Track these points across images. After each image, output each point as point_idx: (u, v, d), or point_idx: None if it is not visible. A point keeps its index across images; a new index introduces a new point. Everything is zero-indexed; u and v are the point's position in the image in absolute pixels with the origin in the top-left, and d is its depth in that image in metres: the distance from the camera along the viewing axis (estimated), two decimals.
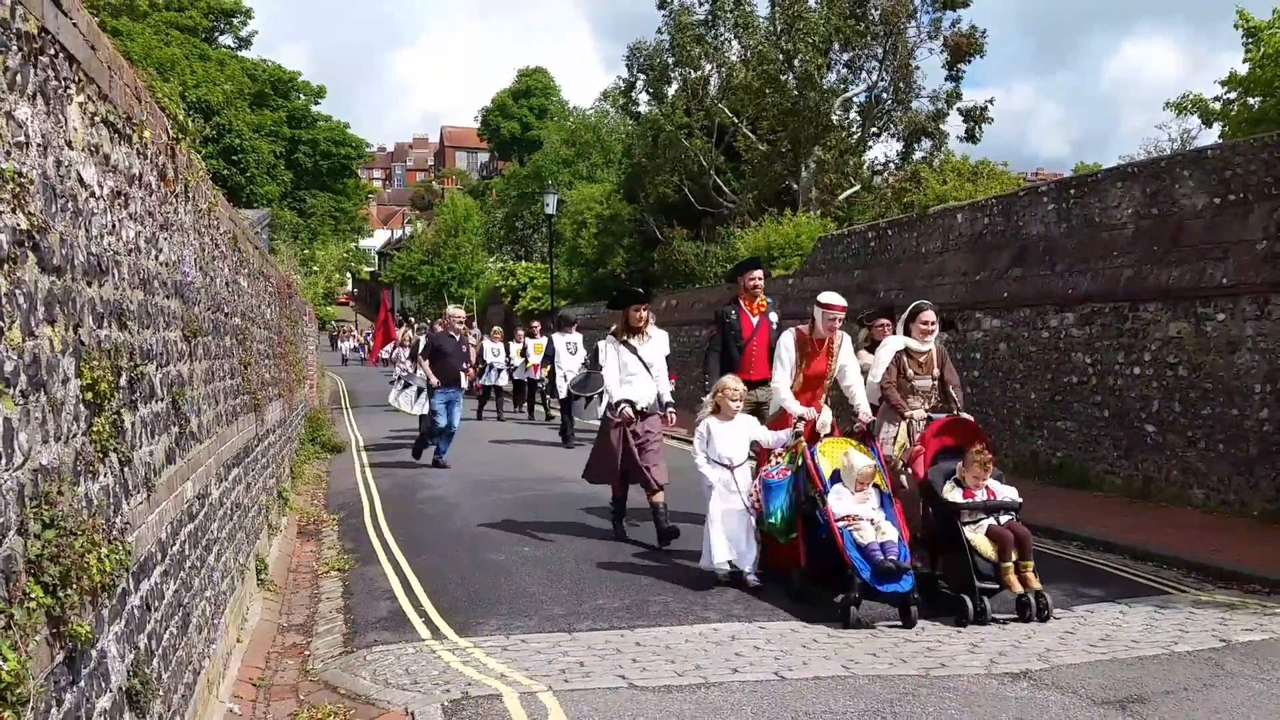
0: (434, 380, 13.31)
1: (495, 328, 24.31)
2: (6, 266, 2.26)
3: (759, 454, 7.66)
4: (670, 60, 29.14)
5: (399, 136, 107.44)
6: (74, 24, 2.89)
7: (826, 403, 7.77)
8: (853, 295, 16.30)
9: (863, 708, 4.70)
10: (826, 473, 6.68)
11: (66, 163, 2.81)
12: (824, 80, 26.72)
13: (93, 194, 3.08)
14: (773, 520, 6.85)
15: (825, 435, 7.25)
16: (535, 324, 21.63)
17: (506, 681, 5.11)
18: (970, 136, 27.81)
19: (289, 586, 7.63)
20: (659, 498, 8.31)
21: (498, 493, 11.34)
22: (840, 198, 27.59)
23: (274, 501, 9.05)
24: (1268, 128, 19.82)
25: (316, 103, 45.71)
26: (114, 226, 3.34)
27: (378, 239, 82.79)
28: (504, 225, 50.93)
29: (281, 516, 9.54)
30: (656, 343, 8.78)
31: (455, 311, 14.92)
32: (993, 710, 4.68)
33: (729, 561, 7.01)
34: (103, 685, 2.85)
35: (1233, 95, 22.91)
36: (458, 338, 14.19)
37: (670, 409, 8.62)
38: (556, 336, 16.47)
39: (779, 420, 7.56)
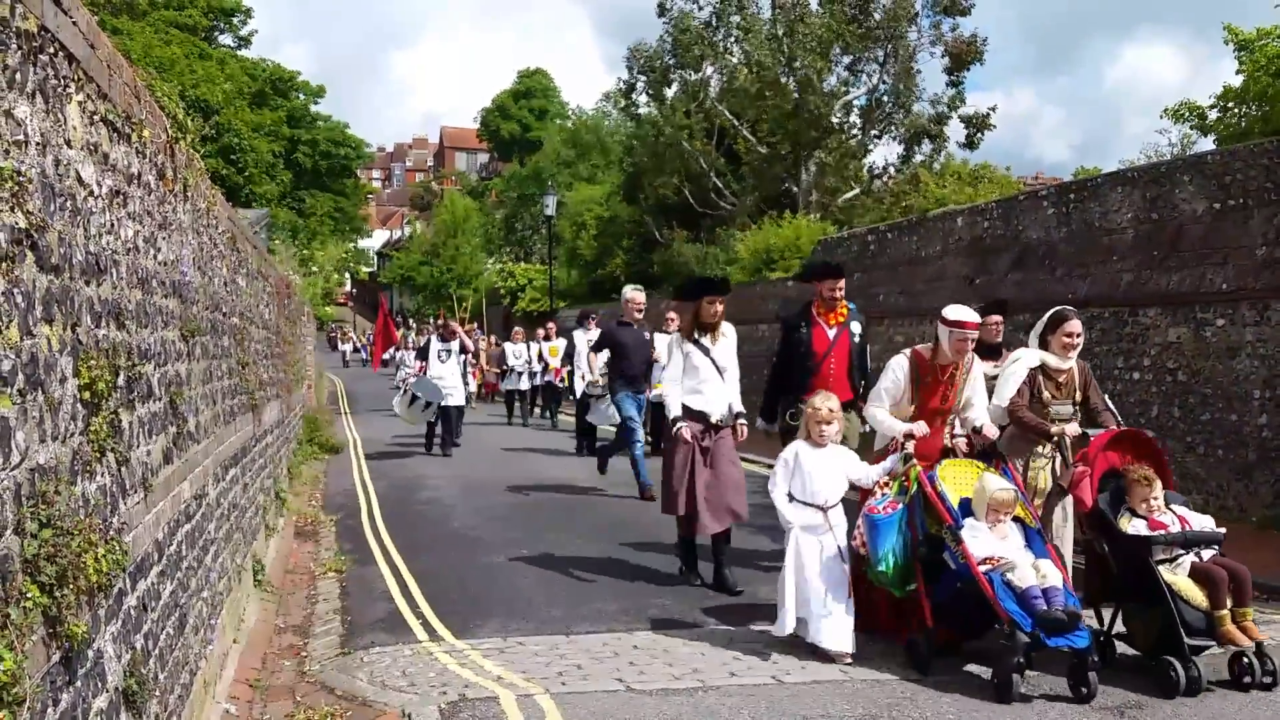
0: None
1: (517, 328, 23.34)
2: (4, 265, 2.25)
3: (859, 495, 6.11)
4: (671, 62, 29.14)
5: (401, 137, 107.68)
6: (73, 22, 2.88)
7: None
8: (851, 298, 16.30)
9: (860, 712, 4.69)
10: (953, 502, 5.44)
11: (65, 161, 2.80)
12: (824, 83, 26.73)
13: (91, 193, 3.07)
14: (883, 568, 5.39)
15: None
16: (551, 325, 20.66)
17: (504, 684, 5.10)
18: (970, 143, 27.82)
19: (286, 587, 7.61)
20: (724, 533, 7.01)
21: (497, 495, 11.33)
22: (840, 201, 27.58)
23: (271, 502, 9.03)
24: (1255, 136, 19.85)
25: (316, 102, 45.74)
26: (112, 225, 3.33)
27: (377, 239, 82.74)
28: (503, 226, 50.94)
29: (279, 517, 9.52)
30: (729, 342, 7.28)
31: (634, 295, 11.48)
32: (990, 715, 4.67)
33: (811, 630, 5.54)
34: (99, 685, 2.84)
35: (1228, 106, 22.94)
36: (636, 328, 11.46)
37: (742, 421, 7.18)
38: (578, 334, 15.46)
39: (883, 454, 6.07)
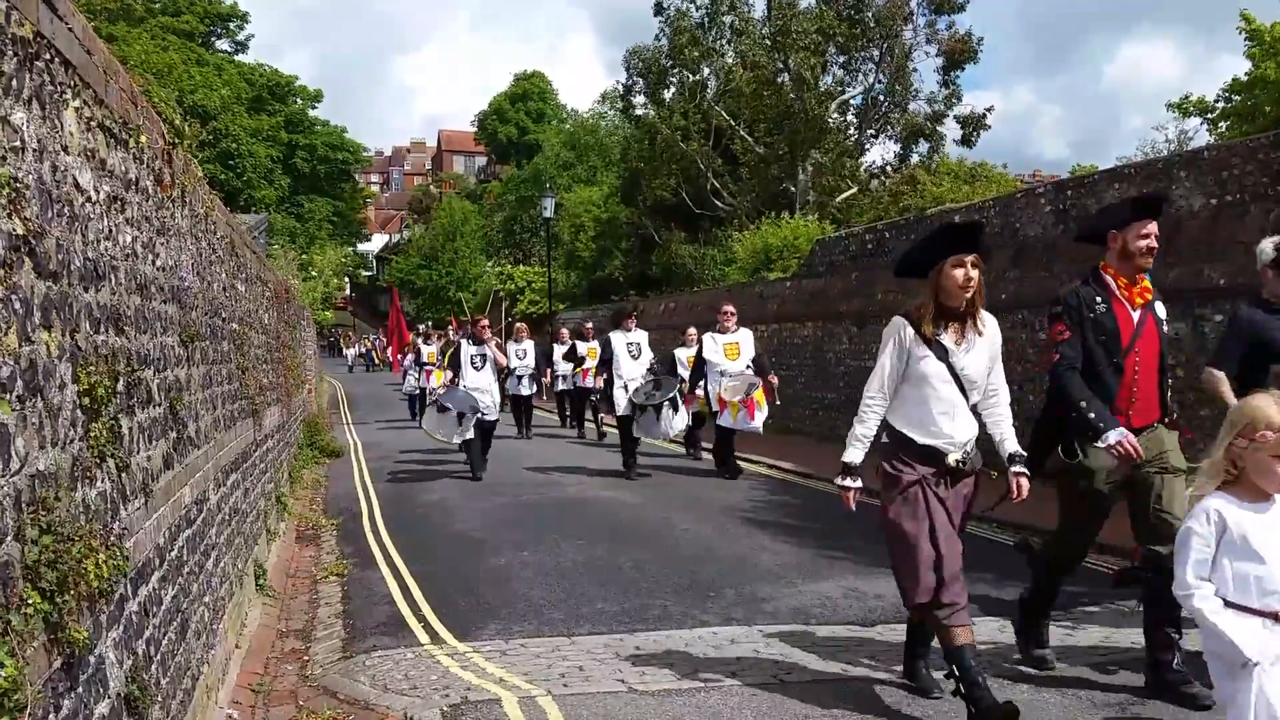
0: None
1: (519, 324, 21.07)
2: (2, 272, 2.25)
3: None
4: (668, 63, 29.18)
5: (404, 142, 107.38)
6: (69, 29, 2.88)
7: None
8: (849, 297, 16.36)
9: (863, 712, 4.69)
10: None
11: (63, 168, 2.80)
12: (820, 83, 26.76)
13: (89, 199, 3.08)
14: None
15: None
16: (588, 326, 18.90)
17: (505, 686, 5.10)
18: (966, 142, 27.86)
19: (288, 592, 7.61)
20: (967, 635, 4.51)
21: (498, 497, 11.33)
22: (837, 200, 27.62)
23: (273, 506, 9.04)
24: (1263, 123, 19.90)
25: (314, 106, 45.76)
26: (111, 231, 3.34)
27: (375, 243, 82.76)
28: (502, 229, 50.96)
29: (280, 521, 9.53)
30: (988, 340, 4.95)
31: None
32: None
33: None
34: (101, 691, 2.84)
35: (1232, 97, 23.03)
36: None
37: (1021, 469, 4.73)
38: (615, 336, 13.38)
39: None
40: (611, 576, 7.53)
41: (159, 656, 3.64)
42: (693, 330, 14.62)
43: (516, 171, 51.11)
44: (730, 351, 12.23)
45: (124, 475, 3.28)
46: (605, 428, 17.24)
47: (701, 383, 12.41)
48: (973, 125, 27.50)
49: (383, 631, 6.34)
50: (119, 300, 3.38)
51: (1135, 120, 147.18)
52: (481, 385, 12.71)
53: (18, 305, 2.34)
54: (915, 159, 28.65)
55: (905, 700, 4.84)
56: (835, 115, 27.90)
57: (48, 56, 2.69)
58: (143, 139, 3.88)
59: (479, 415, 12.40)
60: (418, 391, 21.39)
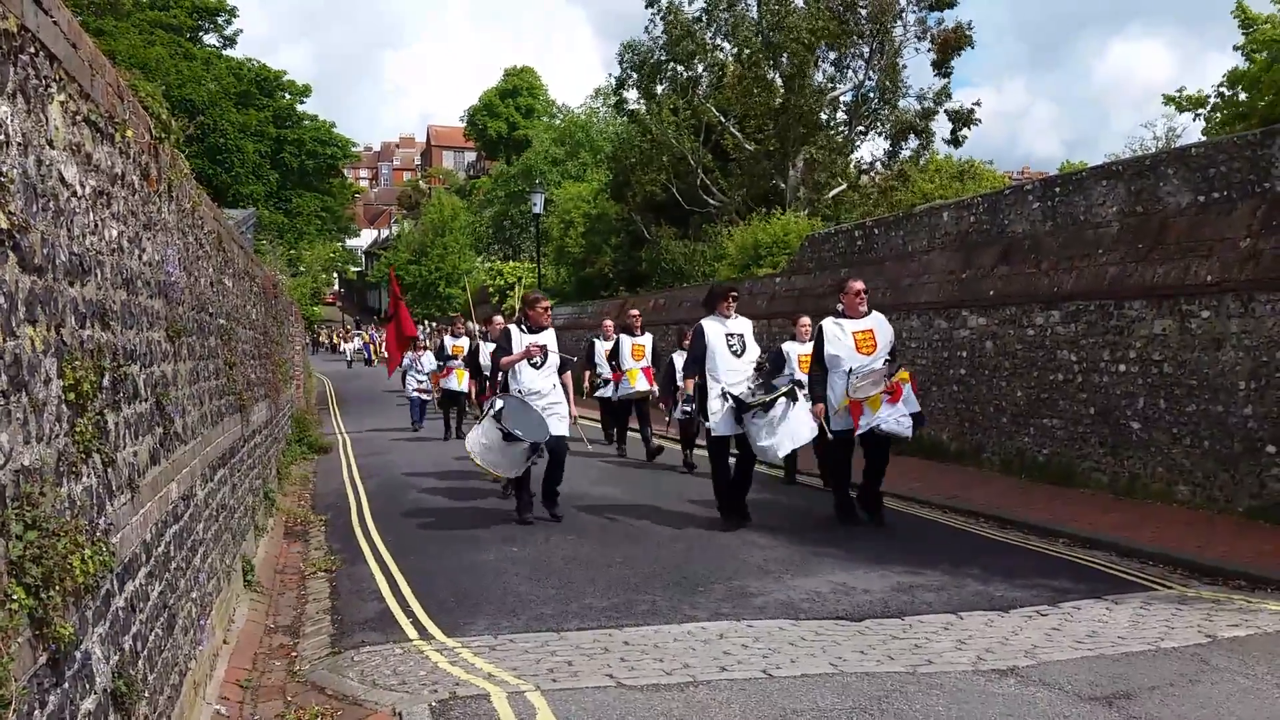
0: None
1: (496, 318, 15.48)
2: None
3: None
4: (661, 57, 29.15)
5: (396, 137, 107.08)
6: (54, 22, 2.87)
7: None
8: (839, 294, 16.36)
9: (850, 705, 4.70)
10: None
11: (48, 162, 2.79)
12: (811, 80, 26.77)
13: (74, 193, 3.06)
14: None
15: None
16: (635, 314, 15.07)
17: (494, 681, 5.10)
18: (954, 140, 27.89)
19: (276, 587, 7.60)
20: None
21: (487, 493, 11.31)
22: (827, 196, 27.64)
23: (260, 502, 9.02)
24: (1255, 122, 19.99)
25: (302, 101, 45.49)
26: (96, 226, 3.32)
27: (364, 238, 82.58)
28: (491, 225, 50.89)
29: (268, 517, 9.51)
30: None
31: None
32: (980, 707, 4.69)
33: None
34: (87, 687, 2.83)
35: (1228, 92, 23.19)
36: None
37: None
38: (709, 326, 9.14)
39: None
40: (601, 572, 7.53)
41: (146, 652, 3.63)
42: (805, 320, 11.46)
43: (506, 167, 51.01)
44: (863, 343, 9.04)
45: (110, 471, 3.27)
46: (662, 441, 14.19)
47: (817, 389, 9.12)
48: (962, 121, 27.52)
49: (371, 627, 6.34)
50: (105, 295, 3.36)
51: (1127, 118, 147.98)
52: (542, 388, 9.38)
53: (1, 300, 2.33)
54: (906, 154, 28.69)
55: (892, 694, 4.86)
56: (826, 112, 27.90)
57: (32, 50, 2.67)
58: (129, 133, 3.86)
59: (548, 431, 9.21)
60: (425, 396, 18.77)
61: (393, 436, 17.51)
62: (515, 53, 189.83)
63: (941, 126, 28.19)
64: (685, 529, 9.10)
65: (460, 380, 16.79)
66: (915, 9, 27.62)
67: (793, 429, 8.68)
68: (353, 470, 13.74)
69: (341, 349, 55.55)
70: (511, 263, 45.47)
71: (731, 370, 8.97)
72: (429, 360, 18.68)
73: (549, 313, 9.81)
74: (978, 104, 28.05)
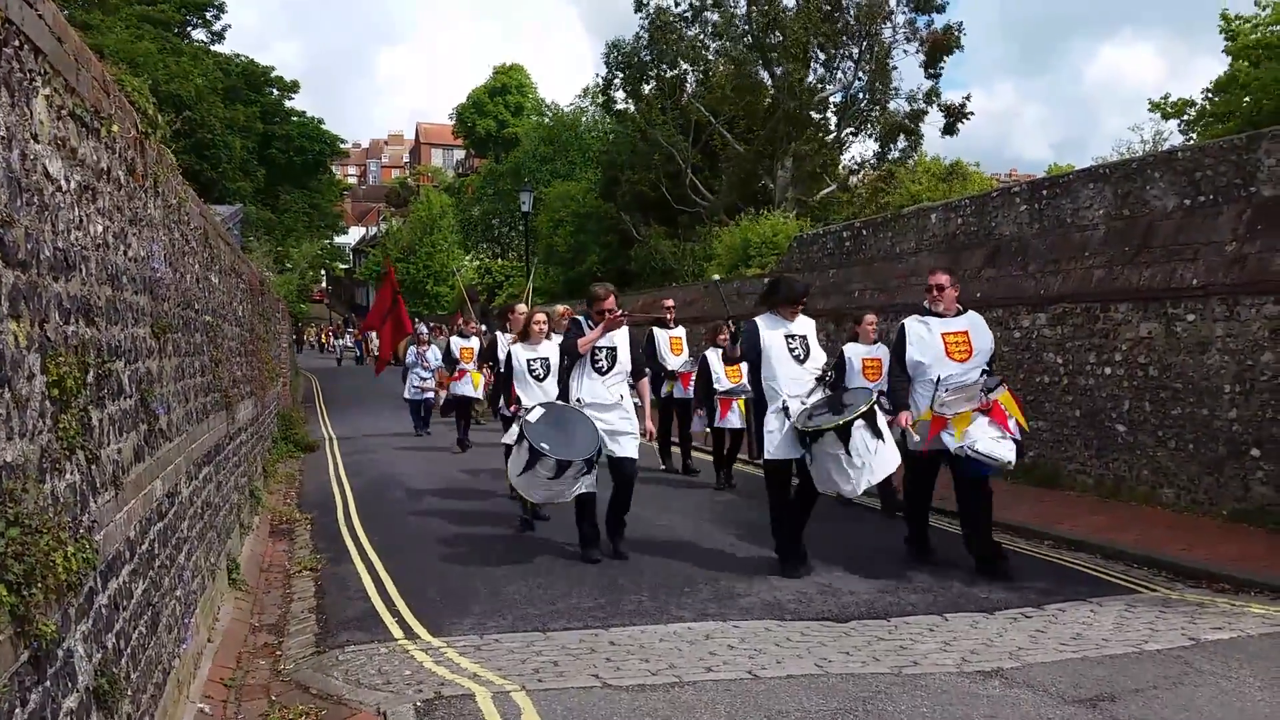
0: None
1: (519, 305, 12.81)
2: None
3: None
4: (648, 57, 29.14)
5: (385, 134, 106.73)
6: (39, 15, 2.85)
7: None
8: (828, 295, 16.42)
9: (835, 706, 4.71)
10: None
11: (32, 156, 2.77)
12: (802, 82, 26.81)
13: (59, 188, 3.04)
14: None
15: None
16: (668, 303, 12.99)
17: (479, 681, 5.09)
18: (950, 130, 27.93)
19: (261, 586, 7.57)
20: None
21: (474, 493, 11.30)
22: (816, 197, 27.69)
23: (246, 500, 8.98)
24: (1236, 123, 20.14)
25: (290, 97, 45.29)
26: (81, 221, 3.30)
27: (353, 235, 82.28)
28: (480, 223, 50.77)
29: (254, 515, 9.46)
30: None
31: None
32: (964, 708, 4.70)
33: None
34: (69, 685, 2.81)
35: (1213, 98, 23.38)
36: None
37: None
38: (764, 325, 7.56)
39: None
40: (587, 572, 7.52)
41: (129, 650, 3.61)
42: (871, 317, 9.85)
43: (495, 165, 50.89)
44: (955, 347, 7.52)
45: (94, 467, 3.25)
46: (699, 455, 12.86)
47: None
48: (955, 114, 27.60)
49: (356, 626, 6.31)
50: (89, 291, 3.34)
51: (1116, 122, 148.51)
52: (601, 396, 7.85)
53: None
54: (895, 154, 28.75)
55: (878, 695, 4.86)
56: (815, 113, 27.95)
57: (17, 43, 2.65)
58: (115, 128, 3.84)
59: (609, 448, 7.79)
60: (428, 396, 17.23)
61: (378, 435, 17.43)
62: (506, 50, 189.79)
63: (935, 122, 28.21)
64: (672, 531, 9.10)
65: (476, 384, 14.81)
66: (905, 10, 27.71)
67: (878, 458, 6.95)
68: (339, 468, 13.69)
69: (332, 346, 55.21)
70: (501, 261, 45.38)
71: (794, 379, 7.37)
72: (434, 355, 16.93)
73: (614, 301, 8.00)
74: (968, 98, 28.19)
